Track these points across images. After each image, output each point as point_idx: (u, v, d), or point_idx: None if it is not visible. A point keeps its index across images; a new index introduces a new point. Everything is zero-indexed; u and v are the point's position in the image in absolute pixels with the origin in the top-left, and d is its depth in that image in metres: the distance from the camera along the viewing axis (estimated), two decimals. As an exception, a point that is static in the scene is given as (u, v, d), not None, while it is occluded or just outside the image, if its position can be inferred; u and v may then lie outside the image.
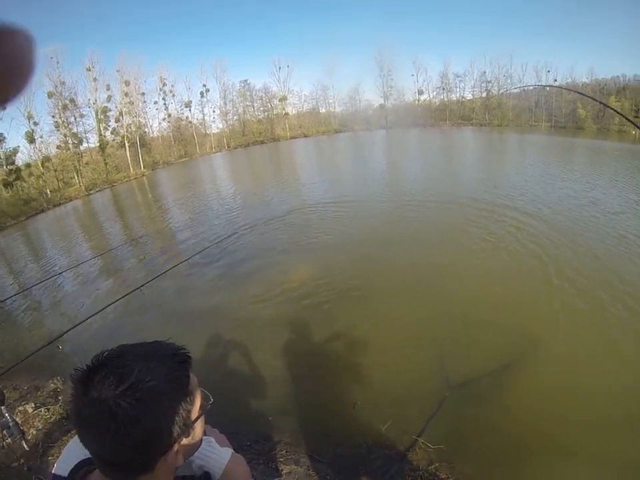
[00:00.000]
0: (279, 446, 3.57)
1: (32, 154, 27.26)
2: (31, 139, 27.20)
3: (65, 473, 0.85)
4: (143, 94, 37.51)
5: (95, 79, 31.94)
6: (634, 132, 35.31)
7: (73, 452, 0.87)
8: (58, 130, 29.24)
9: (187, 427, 0.77)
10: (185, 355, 0.80)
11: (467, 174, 16.60)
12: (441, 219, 9.79)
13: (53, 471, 0.89)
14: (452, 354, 4.59)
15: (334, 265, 7.39)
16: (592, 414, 3.58)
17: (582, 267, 6.54)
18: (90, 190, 25.12)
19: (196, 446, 0.85)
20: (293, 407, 4.07)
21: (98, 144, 31.41)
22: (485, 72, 45.20)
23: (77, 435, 0.74)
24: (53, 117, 29.34)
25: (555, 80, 42.54)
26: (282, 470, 3.24)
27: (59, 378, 4.33)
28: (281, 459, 3.40)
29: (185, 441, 0.77)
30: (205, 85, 43.64)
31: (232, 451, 1.07)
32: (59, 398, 3.91)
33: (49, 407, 3.93)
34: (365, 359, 4.68)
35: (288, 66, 45.77)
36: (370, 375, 4.37)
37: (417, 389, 4.06)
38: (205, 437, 0.98)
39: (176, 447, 0.75)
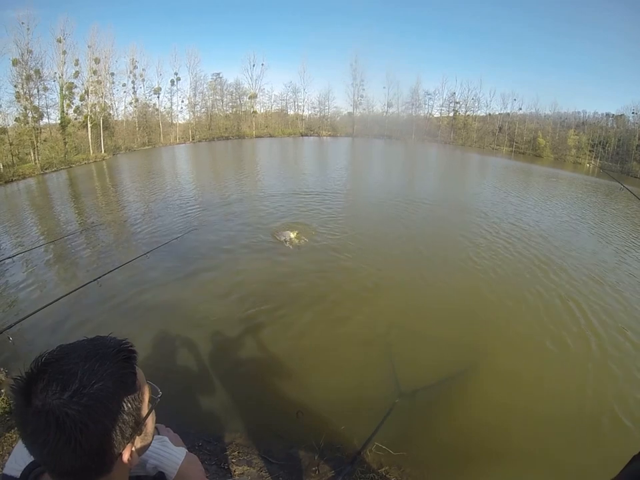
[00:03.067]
0: (230, 447, 3.57)
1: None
2: (-12, 107, 25.33)
3: (17, 474, 0.81)
4: (112, 74, 35.91)
5: (64, 52, 30.07)
6: (588, 164, 38.17)
7: (24, 450, 0.79)
8: (18, 101, 27.18)
9: (139, 425, 0.75)
10: (128, 350, 0.76)
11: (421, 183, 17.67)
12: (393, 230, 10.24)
13: (3, 471, 0.85)
14: (403, 363, 4.77)
15: (289, 268, 7.48)
16: (527, 426, 3.91)
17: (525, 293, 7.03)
18: (46, 169, 23.50)
19: (149, 442, 0.83)
20: (245, 408, 4.08)
21: (59, 121, 29.57)
22: (454, 93, 47.17)
23: None
24: (15, 86, 27.34)
25: (520, 109, 45.08)
26: (234, 471, 3.24)
27: (1, 369, 4.07)
28: (233, 460, 3.40)
29: (138, 439, 0.76)
30: (176, 73, 42.53)
31: (186, 450, 1.06)
32: (1, 391, 3.67)
33: (-11, 400, 3.67)
34: (317, 363, 4.77)
35: (262, 64, 45.65)
36: (322, 379, 4.46)
37: (368, 395, 4.21)
38: (158, 437, 1.00)
39: (130, 446, 0.73)
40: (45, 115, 29.49)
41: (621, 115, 40.07)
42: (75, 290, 4.04)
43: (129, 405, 0.71)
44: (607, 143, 39.80)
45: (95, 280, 4.38)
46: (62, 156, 26.98)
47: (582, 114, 43.05)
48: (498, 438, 3.73)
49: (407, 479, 3.28)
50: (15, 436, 3.23)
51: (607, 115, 41.26)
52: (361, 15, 68.52)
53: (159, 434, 1.03)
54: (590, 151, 40.55)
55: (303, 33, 69.53)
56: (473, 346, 5.16)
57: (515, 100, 45.07)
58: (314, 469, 3.28)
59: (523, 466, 3.47)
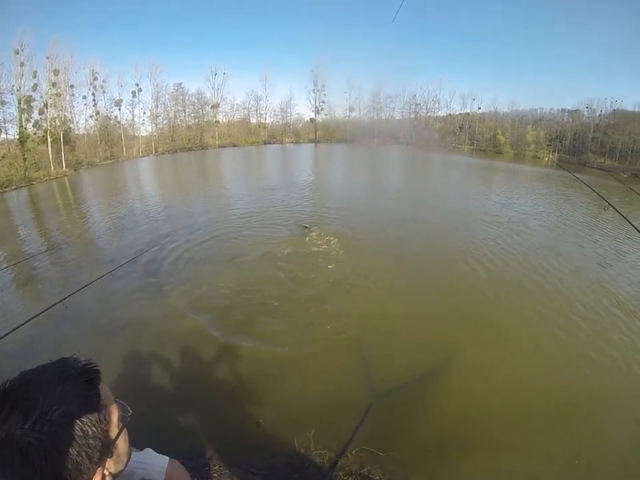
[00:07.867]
0: (211, 461, 3.54)
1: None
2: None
3: None
4: (72, 86, 34.65)
5: (22, 64, 28.75)
6: (546, 158, 39.95)
7: None
8: (-26, 116, 25.93)
9: (108, 447, 0.73)
10: (92, 370, 0.73)
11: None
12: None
13: None
14: (375, 365, 4.87)
15: (254, 278, 7.49)
16: (499, 417, 4.08)
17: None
18: (5, 187, 22.33)
19: (124, 462, 0.80)
20: (223, 422, 4.05)
21: (18, 136, 28.30)
22: (415, 95, 48.21)
23: None
24: (-29, 101, 25.97)
25: (479, 108, 46.61)
26: (217, 485, 3.21)
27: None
28: (215, 475, 3.37)
29: (110, 462, 0.74)
30: (137, 85, 41.31)
31: (168, 457, 1.06)
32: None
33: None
34: (292, 371, 4.80)
35: (224, 73, 45.17)
36: (299, 386, 4.50)
37: (344, 398, 4.27)
38: (140, 452, 1.00)
39: (101, 470, 0.71)
40: (3, 130, 28.21)
41: (576, 110, 42.10)
42: (40, 313, 3.88)
43: (94, 428, 0.69)
44: (563, 137, 41.69)
45: (60, 301, 4.22)
46: (22, 173, 25.70)
47: (539, 110, 45.02)
48: (472, 430, 3.87)
49: (389, 476, 3.34)
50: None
51: (563, 110, 43.28)
52: (327, 18, 68.77)
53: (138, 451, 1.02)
54: (548, 145, 42.37)
55: (264, 40, 68.75)
56: (443, 343, 5.31)
57: (474, 100, 46.64)
58: (296, 476, 3.29)
59: (498, 455, 3.60)
